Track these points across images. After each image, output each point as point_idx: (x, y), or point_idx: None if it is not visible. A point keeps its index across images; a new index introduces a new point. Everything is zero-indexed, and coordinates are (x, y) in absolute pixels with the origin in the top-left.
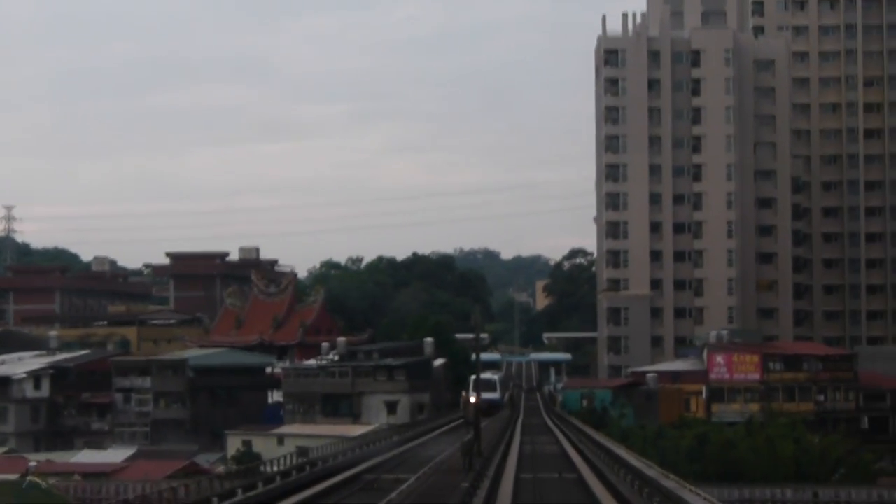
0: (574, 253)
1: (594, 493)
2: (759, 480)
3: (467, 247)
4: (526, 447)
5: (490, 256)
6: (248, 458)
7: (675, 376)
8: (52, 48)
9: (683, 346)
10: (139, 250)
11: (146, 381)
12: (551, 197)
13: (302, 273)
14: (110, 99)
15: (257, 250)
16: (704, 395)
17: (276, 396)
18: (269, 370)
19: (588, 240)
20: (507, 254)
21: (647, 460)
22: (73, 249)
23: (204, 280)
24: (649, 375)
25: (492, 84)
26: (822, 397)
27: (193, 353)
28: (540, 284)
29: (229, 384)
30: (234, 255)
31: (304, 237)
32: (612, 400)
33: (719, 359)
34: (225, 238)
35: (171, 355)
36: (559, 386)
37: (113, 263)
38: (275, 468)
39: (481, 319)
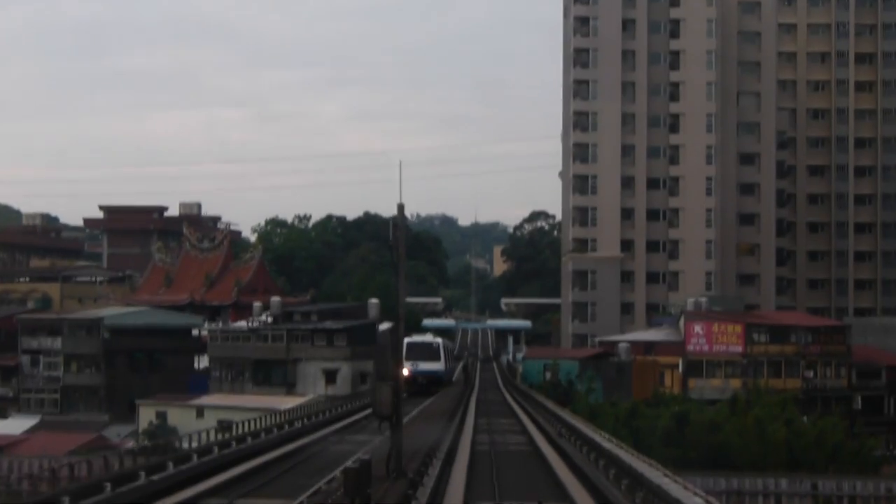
0: (535, 215)
1: None
2: (747, 467)
3: (424, 212)
4: (481, 438)
5: (447, 222)
6: (163, 432)
7: (649, 347)
8: (6, 7)
9: (656, 313)
10: (91, 212)
11: (57, 342)
12: (511, 164)
13: (246, 232)
14: (69, 60)
15: (199, 205)
16: (681, 368)
17: (204, 362)
18: (196, 332)
19: (551, 207)
20: (464, 221)
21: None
22: (23, 208)
23: (140, 235)
24: (621, 345)
25: (454, 52)
26: (811, 373)
27: (110, 312)
28: (498, 250)
29: (151, 347)
30: (175, 211)
31: (257, 198)
32: (578, 372)
33: (698, 328)
34: (180, 199)
35: (85, 313)
36: (519, 356)
37: (55, 220)
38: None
39: (435, 283)
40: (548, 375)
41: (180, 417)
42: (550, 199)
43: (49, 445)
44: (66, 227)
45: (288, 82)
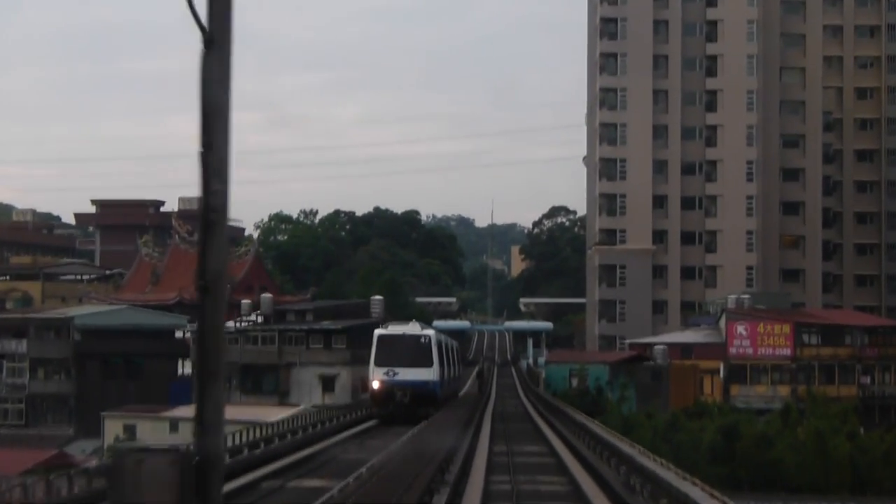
0: (555, 210)
1: None
2: (806, 489)
3: (440, 213)
4: (499, 483)
5: (464, 223)
6: None
7: (686, 350)
8: (26, 11)
9: (692, 312)
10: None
11: (22, 345)
12: (528, 165)
13: (250, 230)
14: (86, 63)
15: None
16: (722, 373)
17: (189, 367)
18: (180, 334)
19: (571, 205)
20: (481, 222)
21: None
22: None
23: (134, 231)
24: (657, 348)
25: (470, 53)
26: (867, 379)
27: (81, 311)
28: (515, 249)
29: (128, 351)
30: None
31: (268, 198)
32: (608, 378)
33: (741, 329)
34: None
35: (53, 313)
36: (540, 360)
37: (57, 219)
38: None
39: (450, 283)
40: (574, 382)
41: (151, 431)
42: (568, 199)
43: (1, 464)
44: (64, 225)
45: (304, 86)
